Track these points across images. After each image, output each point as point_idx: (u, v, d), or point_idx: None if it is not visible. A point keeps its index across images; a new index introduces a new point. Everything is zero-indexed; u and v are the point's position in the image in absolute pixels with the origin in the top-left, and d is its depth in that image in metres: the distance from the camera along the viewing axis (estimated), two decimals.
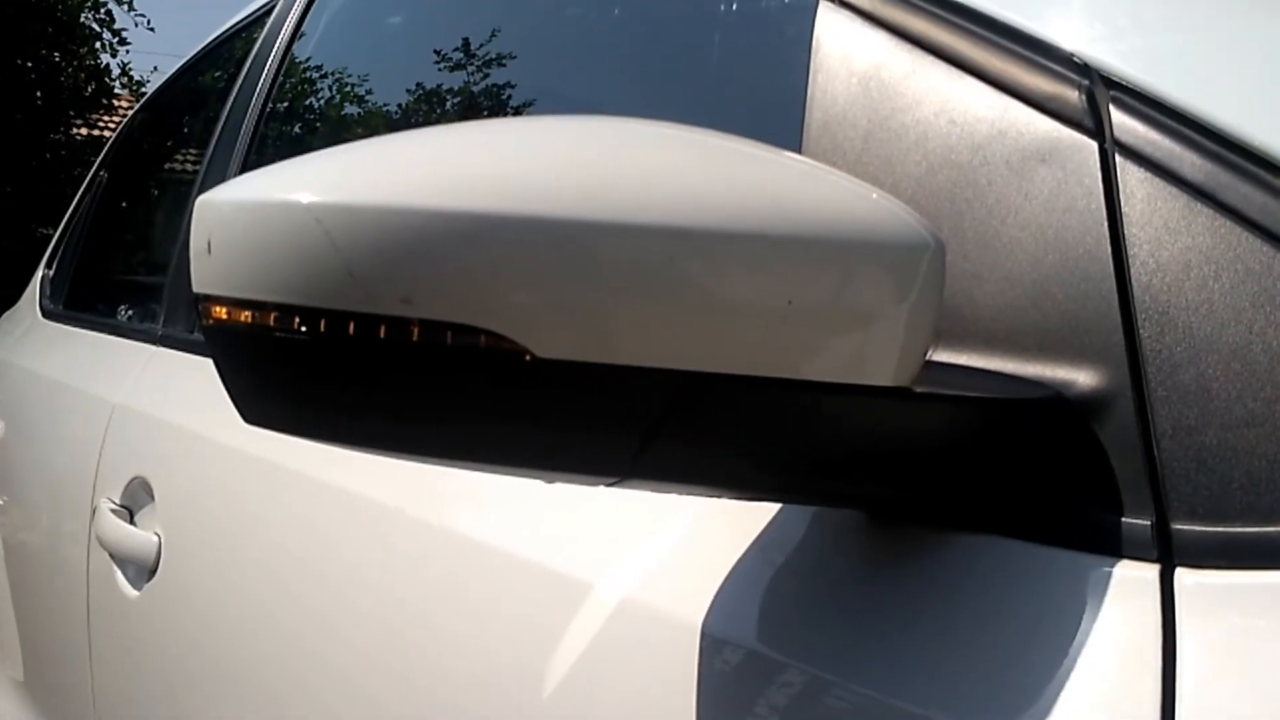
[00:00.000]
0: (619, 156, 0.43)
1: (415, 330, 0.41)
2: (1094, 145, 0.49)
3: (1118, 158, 0.48)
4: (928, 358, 0.47)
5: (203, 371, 1.12)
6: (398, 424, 0.44)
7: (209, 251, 0.44)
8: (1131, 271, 0.46)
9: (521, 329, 0.41)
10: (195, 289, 0.46)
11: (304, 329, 0.42)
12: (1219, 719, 0.39)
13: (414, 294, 0.40)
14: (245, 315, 0.43)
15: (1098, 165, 0.48)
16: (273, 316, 0.42)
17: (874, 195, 0.45)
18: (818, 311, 0.43)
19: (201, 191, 1.41)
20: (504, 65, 1.07)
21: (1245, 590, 0.40)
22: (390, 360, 0.42)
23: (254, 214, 0.43)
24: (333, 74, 1.48)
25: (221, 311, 0.44)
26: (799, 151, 0.61)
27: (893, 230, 0.44)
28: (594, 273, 0.41)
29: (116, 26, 11.85)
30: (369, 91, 1.44)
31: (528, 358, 0.41)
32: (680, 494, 0.50)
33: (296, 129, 1.53)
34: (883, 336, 0.44)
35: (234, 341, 0.45)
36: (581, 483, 0.47)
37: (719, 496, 0.53)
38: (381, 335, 0.41)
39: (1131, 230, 0.46)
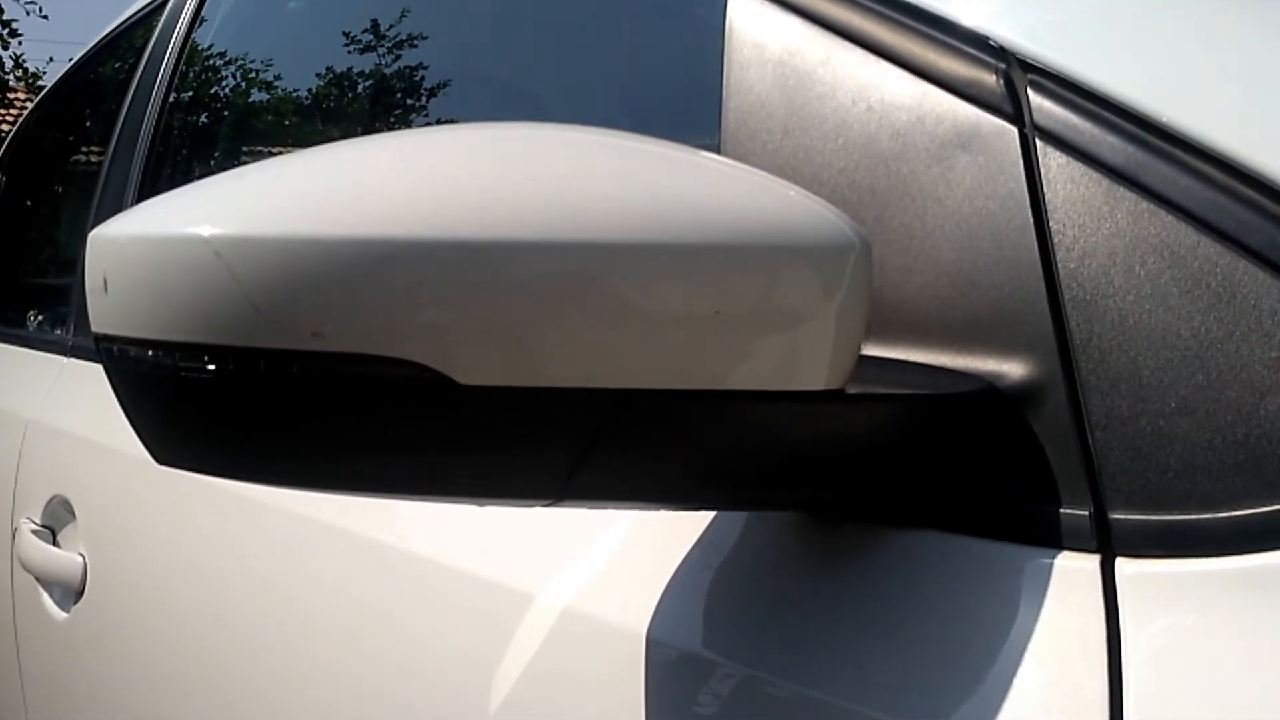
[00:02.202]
0: (528, 170, 0.42)
1: (329, 364, 0.39)
2: (1014, 130, 0.48)
3: (1038, 142, 0.47)
4: (859, 354, 0.46)
5: None
6: (317, 461, 0.42)
7: (105, 290, 0.42)
8: (1057, 258, 0.45)
9: (441, 357, 0.39)
10: (94, 329, 0.43)
11: (212, 367, 0.40)
12: (1164, 706, 0.39)
13: (324, 327, 0.39)
14: (149, 355, 0.41)
15: (1019, 151, 0.48)
16: (177, 356, 0.40)
17: (794, 194, 0.44)
18: (745, 319, 0.42)
19: (104, 193, 1.37)
20: (415, 46, 1.04)
21: (1184, 578, 0.40)
22: (305, 396, 0.40)
23: (150, 249, 0.41)
24: (236, 61, 1.43)
25: (124, 351, 0.42)
26: (718, 143, 0.60)
27: (816, 231, 0.43)
28: (511, 295, 0.39)
29: (6, 17, 11.46)
30: (276, 77, 1.39)
31: (450, 386, 0.39)
32: (617, 510, 0.49)
33: (202, 119, 1.48)
34: (813, 340, 0.43)
35: (139, 382, 0.42)
36: (515, 505, 0.46)
37: (656, 510, 0.52)
38: (294, 371, 0.39)
39: (1055, 217, 0.46)
